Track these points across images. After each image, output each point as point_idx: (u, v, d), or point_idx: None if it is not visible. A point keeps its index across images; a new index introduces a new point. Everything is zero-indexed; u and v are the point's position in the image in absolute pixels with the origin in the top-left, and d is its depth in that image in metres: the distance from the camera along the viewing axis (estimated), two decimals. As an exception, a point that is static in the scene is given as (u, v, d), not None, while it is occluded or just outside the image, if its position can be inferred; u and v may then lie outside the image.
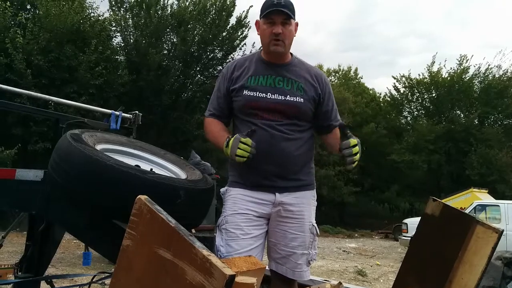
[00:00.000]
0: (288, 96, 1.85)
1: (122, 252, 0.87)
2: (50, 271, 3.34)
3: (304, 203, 1.90)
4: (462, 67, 22.68)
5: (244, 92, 1.86)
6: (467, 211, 9.18)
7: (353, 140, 1.75)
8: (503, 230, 1.66)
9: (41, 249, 2.45)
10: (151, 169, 1.98)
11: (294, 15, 1.83)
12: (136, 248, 0.86)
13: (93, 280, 2.40)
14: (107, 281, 2.28)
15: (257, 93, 1.85)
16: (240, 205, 1.85)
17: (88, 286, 2.37)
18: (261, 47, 1.95)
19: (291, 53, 1.95)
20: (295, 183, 1.88)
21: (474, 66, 22.98)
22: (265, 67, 1.90)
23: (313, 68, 1.99)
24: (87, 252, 4.34)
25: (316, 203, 1.99)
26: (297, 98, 1.85)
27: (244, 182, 1.88)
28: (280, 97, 1.84)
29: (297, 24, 1.90)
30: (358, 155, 1.75)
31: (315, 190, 2.00)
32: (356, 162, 1.76)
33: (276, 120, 1.83)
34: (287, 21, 1.82)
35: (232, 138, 1.73)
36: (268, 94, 1.84)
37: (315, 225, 1.92)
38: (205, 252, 0.74)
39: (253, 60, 1.94)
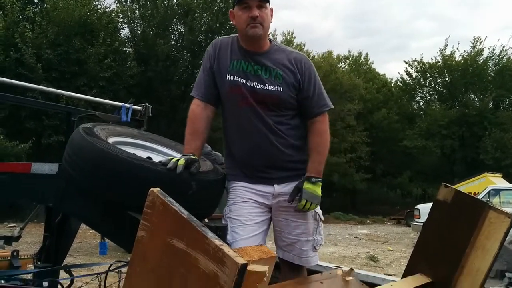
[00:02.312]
0: (267, 85, 1.81)
1: (137, 242, 0.90)
2: (68, 260, 3.43)
3: None
4: (476, 50, 22.19)
5: (228, 76, 1.84)
6: (480, 196, 9.12)
7: (301, 204, 1.78)
8: (516, 215, 1.65)
9: (59, 239, 2.51)
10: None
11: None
12: (151, 238, 0.88)
13: (110, 268, 2.45)
14: (124, 270, 2.33)
15: (240, 79, 1.82)
16: (241, 195, 1.87)
17: (106, 275, 2.42)
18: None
19: (270, 40, 1.90)
20: (291, 172, 1.88)
21: (488, 49, 22.51)
22: (245, 54, 1.85)
23: (293, 53, 1.91)
24: (103, 242, 4.44)
25: None
26: (276, 86, 1.81)
27: (242, 175, 1.89)
28: (259, 86, 1.81)
29: (271, 10, 1.85)
30: (308, 205, 1.79)
31: None
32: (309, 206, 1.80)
33: (259, 110, 1.81)
34: (262, 4, 1.78)
35: (181, 159, 1.66)
36: (249, 81, 1.81)
37: (318, 211, 1.92)
38: (217, 242, 0.75)
39: (234, 43, 1.89)
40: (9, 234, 3.78)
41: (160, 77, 16.09)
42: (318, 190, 1.81)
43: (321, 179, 1.83)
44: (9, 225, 9.84)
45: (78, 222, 2.67)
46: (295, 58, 1.88)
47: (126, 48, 16.73)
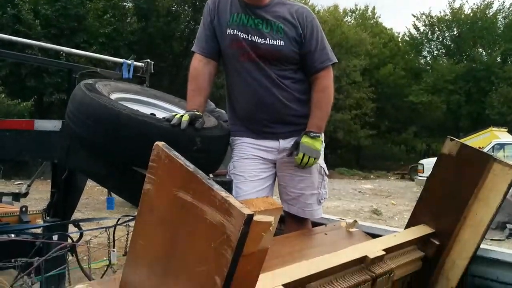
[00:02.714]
0: (268, 39, 1.76)
1: (144, 195, 0.90)
2: (76, 215, 3.51)
3: None
4: (485, 2, 21.48)
5: (228, 31, 1.79)
6: (485, 150, 9.11)
7: (298, 158, 1.75)
8: (521, 167, 1.65)
9: (66, 195, 2.56)
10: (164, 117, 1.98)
11: None
12: (157, 191, 0.89)
13: (118, 222, 2.51)
14: (131, 223, 2.39)
15: (240, 33, 1.77)
16: (246, 151, 1.87)
17: (114, 228, 2.49)
18: None
19: None
20: (297, 127, 1.86)
21: (499, 1, 21.77)
22: (245, 8, 1.79)
23: (295, 5, 1.85)
24: (110, 198, 4.54)
25: (323, 144, 1.97)
26: (277, 41, 1.77)
27: (246, 131, 1.88)
28: (260, 40, 1.76)
29: None
30: (306, 159, 1.75)
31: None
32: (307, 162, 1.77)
33: (262, 64, 1.77)
34: None
35: (185, 115, 1.64)
36: (249, 35, 1.77)
37: (324, 165, 1.92)
38: (224, 193, 0.76)
39: None
40: (17, 191, 3.86)
41: (161, 33, 15.75)
42: (317, 144, 1.79)
43: (319, 134, 1.81)
44: (16, 182, 10.02)
45: (85, 178, 2.70)
46: (297, 11, 1.82)
47: (125, 3, 16.25)
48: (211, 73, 1.86)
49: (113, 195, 3.94)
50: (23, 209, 2.99)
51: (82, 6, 13.44)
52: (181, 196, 0.81)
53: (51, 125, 2.04)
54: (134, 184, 1.43)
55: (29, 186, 3.65)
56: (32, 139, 2.04)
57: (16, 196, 3.60)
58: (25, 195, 3.62)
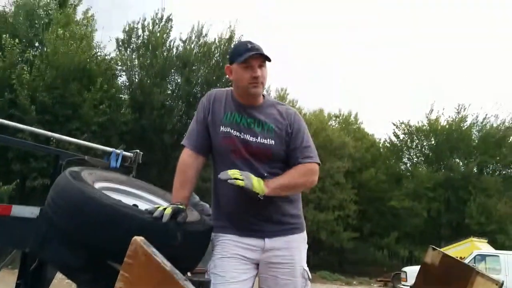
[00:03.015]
0: (259, 137, 1.84)
1: (115, 295, 0.86)
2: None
3: (294, 247, 1.87)
4: (460, 116, 23.02)
5: (221, 128, 1.87)
6: (467, 261, 9.01)
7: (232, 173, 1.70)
8: (503, 282, 1.64)
9: (32, 288, 2.38)
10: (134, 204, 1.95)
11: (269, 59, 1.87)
12: (130, 291, 0.85)
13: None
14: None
15: (233, 131, 1.85)
16: (228, 249, 1.83)
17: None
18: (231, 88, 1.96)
19: (263, 95, 1.96)
20: (284, 226, 1.86)
21: (472, 115, 23.37)
22: (239, 108, 1.90)
23: (284, 107, 1.97)
24: (78, 293, 4.20)
25: (306, 245, 1.95)
26: (268, 140, 1.84)
27: (232, 228, 1.86)
28: (252, 138, 1.84)
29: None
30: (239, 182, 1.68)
31: (305, 231, 1.96)
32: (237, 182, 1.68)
33: (252, 161, 1.82)
34: (263, 64, 1.86)
35: (168, 208, 1.65)
36: (242, 133, 1.85)
37: (307, 269, 1.88)
38: (200, 297, 0.73)
39: (228, 96, 1.94)
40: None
41: (154, 125, 16.21)
42: (256, 184, 1.71)
43: (267, 180, 1.75)
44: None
45: (54, 271, 2.55)
46: (286, 112, 1.93)
47: (122, 95, 16.96)
48: (198, 167, 1.90)
49: (82, 290, 3.66)
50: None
51: (80, 95, 13.94)
52: (156, 297, 0.78)
53: (29, 211, 1.99)
54: (107, 280, 1.37)
55: (-7, 274, 3.39)
56: (6, 225, 1.96)
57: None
58: (-13, 285, 3.35)
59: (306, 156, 1.88)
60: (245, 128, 1.86)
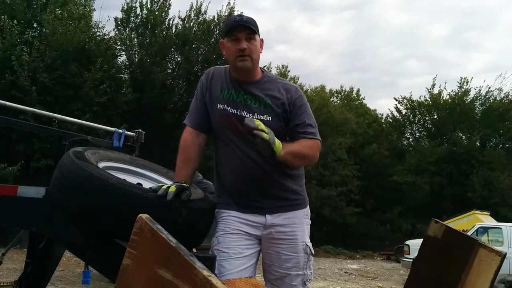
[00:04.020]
0: (256, 114, 1.82)
1: (122, 271, 0.87)
2: (48, 289, 3.30)
3: (297, 223, 1.87)
4: (463, 90, 22.78)
5: (218, 105, 1.86)
6: (469, 233, 9.10)
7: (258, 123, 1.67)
8: (506, 253, 1.66)
9: (41, 266, 2.43)
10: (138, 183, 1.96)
11: (257, 31, 1.82)
12: (136, 267, 0.86)
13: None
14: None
15: (229, 108, 1.84)
16: (231, 225, 1.83)
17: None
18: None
19: (262, 70, 1.93)
20: (284, 202, 1.86)
21: (475, 89, 23.10)
22: (235, 84, 1.88)
23: (284, 83, 1.93)
24: (87, 271, 4.30)
25: (309, 221, 1.95)
26: (265, 116, 1.82)
27: (233, 204, 1.86)
28: (248, 115, 1.81)
29: (262, 41, 1.88)
30: (265, 134, 1.65)
31: (308, 207, 1.96)
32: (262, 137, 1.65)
33: (248, 139, 1.77)
34: (251, 36, 1.81)
35: (172, 186, 1.64)
36: (238, 110, 1.83)
37: (309, 244, 1.89)
38: (206, 272, 0.74)
39: (226, 73, 1.92)
40: (-10, 259, 3.64)
41: (155, 104, 16.16)
42: (277, 143, 1.70)
43: (278, 152, 1.72)
44: (-11, 250, 9.50)
45: (62, 249, 2.59)
46: (286, 88, 1.89)
47: (122, 75, 16.86)
48: (200, 145, 1.90)
49: (90, 268, 3.74)
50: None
51: (80, 76, 13.88)
52: (161, 274, 0.79)
53: (34, 191, 2.01)
54: (113, 257, 1.39)
55: (3, 254, 3.46)
56: (13, 205, 1.98)
57: (-11, 265, 3.40)
58: (-1, 264, 3.42)
59: (309, 133, 1.87)
60: (241, 104, 1.84)
